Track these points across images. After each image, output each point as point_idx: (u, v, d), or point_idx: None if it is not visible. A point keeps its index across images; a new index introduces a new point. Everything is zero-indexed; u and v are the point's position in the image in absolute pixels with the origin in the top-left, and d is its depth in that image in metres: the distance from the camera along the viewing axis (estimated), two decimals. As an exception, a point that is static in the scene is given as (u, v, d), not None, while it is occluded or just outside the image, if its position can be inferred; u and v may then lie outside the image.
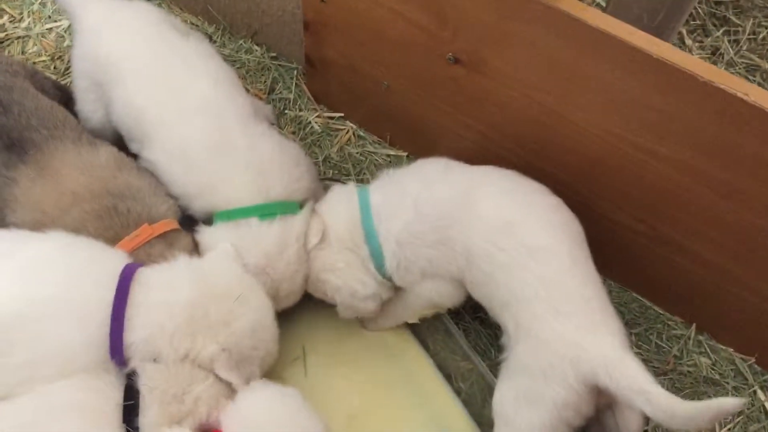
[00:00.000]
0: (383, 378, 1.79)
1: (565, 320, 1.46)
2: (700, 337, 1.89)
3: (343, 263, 1.69)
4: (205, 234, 1.65)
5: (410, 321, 1.81)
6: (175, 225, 1.62)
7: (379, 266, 1.67)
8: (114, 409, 1.37)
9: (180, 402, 1.39)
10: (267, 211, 1.65)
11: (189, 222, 1.70)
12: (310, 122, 2.20)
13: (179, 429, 1.36)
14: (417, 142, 2.08)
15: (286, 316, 1.72)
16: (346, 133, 2.19)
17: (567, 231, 1.58)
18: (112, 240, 1.52)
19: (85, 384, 1.38)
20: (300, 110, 2.23)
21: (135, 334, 1.40)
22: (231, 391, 1.45)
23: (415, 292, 1.71)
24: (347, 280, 1.69)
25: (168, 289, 1.45)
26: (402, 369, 1.81)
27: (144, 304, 1.41)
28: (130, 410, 1.37)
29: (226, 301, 1.47)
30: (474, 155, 1.76)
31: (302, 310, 1.79)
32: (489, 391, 1.66)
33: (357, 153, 2.15)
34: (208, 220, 1.69)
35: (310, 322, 1.84)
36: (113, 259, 1.46)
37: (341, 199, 1.73)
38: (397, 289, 1.75)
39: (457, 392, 1.77)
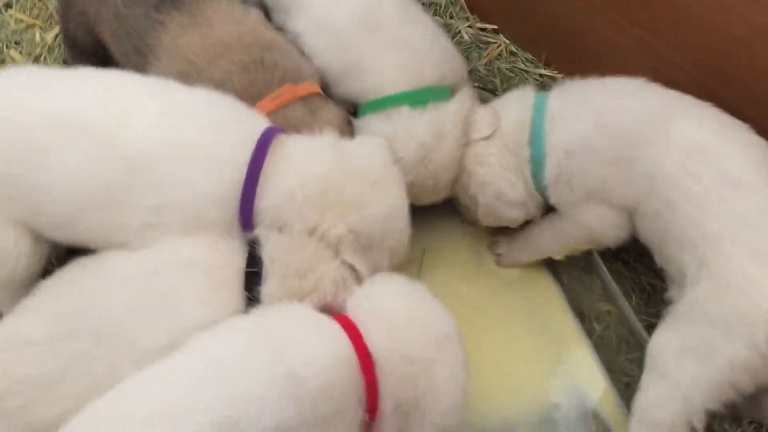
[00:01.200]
0: (504, 303, 1.64)
1: (763, 264, 1.26)
2: None
3: (496, 158, 1.54)
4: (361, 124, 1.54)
5: (556, 256, 1.62)
6: (318, 89, 1.51)
7: (537, 173, 1.51)
8: (236, 274, 1.27)
9: (302, 278, 1.28)
10: (418, 98, 1.52)
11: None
12: (459, 31, 2.03)
13: (299, 304, 1.25)
14: (577, 62, 1.86)
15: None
16: (498, 47, 2.00)
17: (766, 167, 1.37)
18: (255, 97, 1.43)
19: (210, 243, 1.29)
20: (450, 17, 2.05)
21: (266, 199, 1.31)
22: (358, 279, 1.33)
23: (573, 216, 1.52)
24: (496, 177, 1.54)
25: (306, 159, 1.35)
26: (527, 297, 1.65)
27: (279, 170, 1.32)
28: (252, 278, 1.27)
29: (363, 184, 1.35)
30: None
31: (428, 215, 1.64)
32: (628, 338, 1.50)
33: (507, 69, 1.97)
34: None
35: (435, 228, 1.70)
36: (255, 121, 1.37)
37: (516, 98, 1.58)
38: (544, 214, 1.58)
39: (589, 333, 1.59)
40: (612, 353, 1.53)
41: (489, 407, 1.50)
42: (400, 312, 1.25)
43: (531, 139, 1.51)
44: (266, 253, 1.29)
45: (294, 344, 1.15)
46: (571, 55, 1.88)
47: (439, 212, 1.68)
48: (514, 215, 1.57)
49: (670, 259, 1.41)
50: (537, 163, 1.50)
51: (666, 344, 1.34)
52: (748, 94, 1.51)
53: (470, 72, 1.96)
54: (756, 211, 1.30)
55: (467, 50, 2.00)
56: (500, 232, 1.70)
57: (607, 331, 1.55)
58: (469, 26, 2.04)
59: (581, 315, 1.62)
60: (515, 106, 1.56)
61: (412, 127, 1.51)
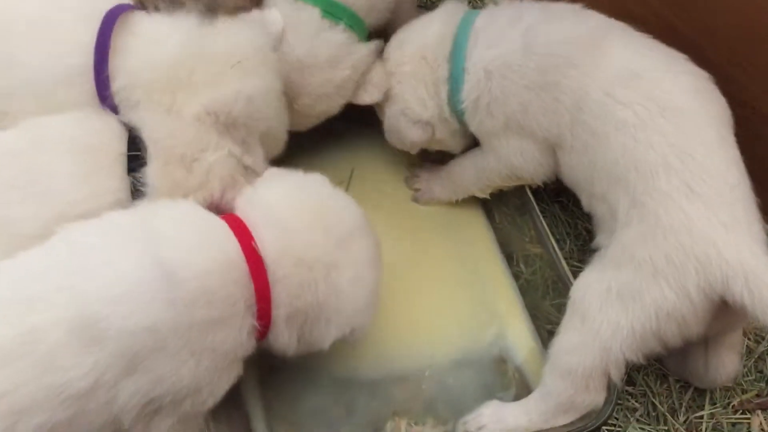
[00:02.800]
0: (430, 236, 1.52)
1: (699, 204, 1.14)
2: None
3: (410, 69, 1.40)
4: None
5: (479, 194, 1.50)
6: None
7: (454, 94, 1.38)
8: (115, 157, 1.14)
9: (187, 168, 1.15)
10: (334, 10, 1.37)
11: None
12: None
13: (185, 201, 1.12)
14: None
15: (337, 138, 1.52)
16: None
17: (711, 101, 1.25)
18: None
19: (84, 121, 1.16)
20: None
21: (116, 80, 1.20)
22: (248, 175, 1.22)
23: (493, 149, 1.40)
24: (405, 91, 1.42)
25: (154, 37, 1.23)
26: (455, 233, 1.53)
27: (126, 49, 1.21)
28: (134, 162, 1.15)
29: (219, 65, 1.23)
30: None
31: (361, 136, 1.54)
32: (555, 283, 1.39)
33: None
34: None
35: (367, 150, 1.59)
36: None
37: (444, 10, 1.44)
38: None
39: (516, 276, 1.48)
40: (537, 298, 1.43)
41: (400, 345, 1.38)
42: (294, 211, 1.13)
43: (451, 55, 1.38)
44: (147, 135, 1.16)
45: (173, 242, 1.02)
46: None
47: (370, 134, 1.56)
48: (415, 135, 1.44)
49: (599, 200, 1.29)
50: (455, 83, 1.37)
51: (591, 284, 1.22)
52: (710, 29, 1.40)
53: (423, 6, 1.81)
54: (695, 141, 1.18)
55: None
56: (420, 166, 1.59)
57: (535, 275, 1.44)
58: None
59: (510, 256, 1.50)
60: (441, 17, 1.43)
61: (315, 33, 1.36)
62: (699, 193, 1.15)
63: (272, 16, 1.34)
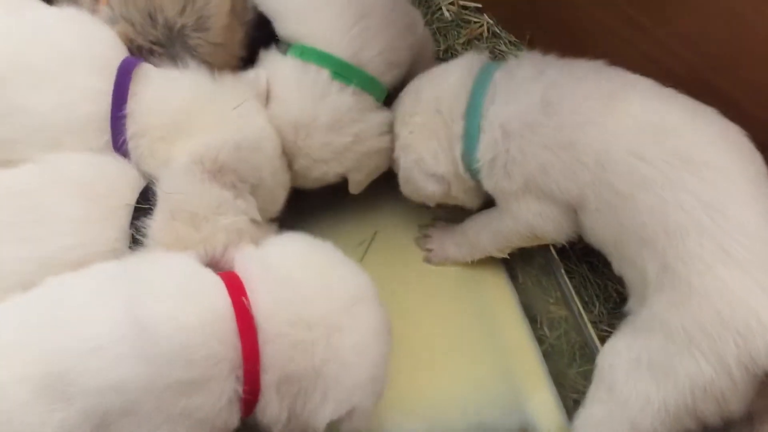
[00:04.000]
0: (451, 298, 1.43)
1: (735, 268, 1.04)
2: None
3: (422, 120, 1.34)
4: (267, 57, 1.34)
5: (497, 255, 1.41)
6: None
7: (469, 152, 1.30)
8: (122, 207, 1.11)
9: (195, 226, 1.10)
10: (345, 72, 1.30)
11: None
12: (441, 8, 1.85)
13: (181, 254, 1.05)
14: (563, 46, 1.69)
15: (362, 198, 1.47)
16: (479, 26, 1.83)
17: (743, 154, 1.16)
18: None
19: (98, 165, 1.14)
20: (432, -6, 1.89)
21: (130, 129, 1.19)
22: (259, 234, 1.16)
23: (511, 210, 1.31)
24: (419, 143, 1.34)
25: (166, 86, 1.22)
26: (477, 294, 1.44)
27: (140, 99, 1.20)
28: (141, 215, 1.11)
29: (215, 111, 1.21)
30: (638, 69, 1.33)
31: (383, 196, 1.48)
32: (582, 349, 1.29)
33: (486, 49, 1.79)
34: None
35: (390, 211, 1.53)
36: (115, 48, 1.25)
37: (462, 63, 1.37)
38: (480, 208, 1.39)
39: (540, 341, 1.38)
40: (563, 365, 1.32)
41: (411, 414, 1.29)
42: (296, 268, 1.05)
43: (467, 111, 1.31)
44: (162, 188, 1.12)
45: (155, 294, 0.96)
46: (558, 38, 1.69)
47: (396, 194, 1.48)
48: (429, 189, 1.36)
49: (629, 263, 1.19)
50: (470, 140, 1.30)
51: (620, 353, 1.12)
52: (748, 84, 1.32)
53: (446, 50, 1.79)
54: (726, 199, 1.08)
55: (446, 29, 1.83)
56: (432, 225, 1.52)
57: (559, 340, 1.33)
58: (452, 3, 1.86)
59: (533, 319, 1.41)
60: (459, 69, 1.36)
61: (321, 93, 1.29)
62: (734, 255, 1.04)
63: (258, 75, 1.31)
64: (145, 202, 1.12)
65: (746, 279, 1.03)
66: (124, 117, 1.17)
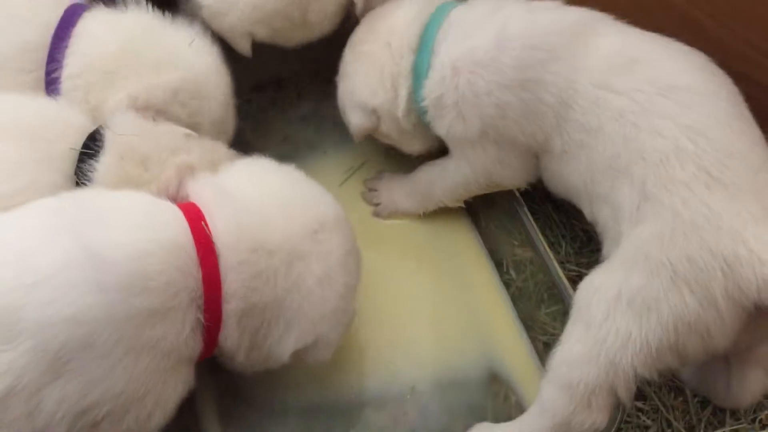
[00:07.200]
0: (410, 243, 1.38)
1: (722, 193, 0.99)
2: None
3: (369, 49, 1.28)
4: None
5: (451, 204, 1.36)
6: None
7: (415, 90, 1.25)
8: (65, 150, 1.04)
9: (143, 167, 1.04)
10: None
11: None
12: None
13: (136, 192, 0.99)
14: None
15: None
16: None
17: (719, 78, 1.11)
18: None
19: (43, 108, 1.07)
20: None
21: (66, 69, 1.15)
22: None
23: (467, 156, 1.25)
24: (359, 72, 1.29)
25: (111, 26, 1.19)
26: (437, 238, 1.38)
27: (82, 37, 1.17)
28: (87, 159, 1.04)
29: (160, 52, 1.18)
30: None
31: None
32: (550, 289, 1.24)
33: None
34: None
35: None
36: None
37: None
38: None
39: (506, 285, 1.33)
40: (531, 307, 1.27)
41: (378, 365, 1.23)
42: (255, 191, 0.99)
43: (418, 46, 1.24)
44: (111, 130, 1.06)
45: (105, 221, 0.89)
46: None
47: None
48: (354, 120, 1.31)
49: (601, 202, 1.13)
50: (418, 77, 1.24)
51: (596, 291, 1.05)
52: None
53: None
54: (707, 120, 1.03)
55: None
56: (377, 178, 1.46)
57: (527, 282, 1.28)
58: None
59: (499, 263, 1.35)
60: (416, 5, 1.29)
61: None
62: (720, 179, 0.99)
63: None
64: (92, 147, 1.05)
65: (733, 204, 0.99)
66: (63, 50, 1.14)
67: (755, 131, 1.08)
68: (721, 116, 1.05)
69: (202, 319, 0.92)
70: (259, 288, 0.94)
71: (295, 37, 1.35)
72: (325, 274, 0.98)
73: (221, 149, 1.15)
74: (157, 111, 1.12)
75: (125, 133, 1.06)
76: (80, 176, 1.03)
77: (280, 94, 1.57)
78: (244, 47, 1.32)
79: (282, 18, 1.29)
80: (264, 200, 0.99)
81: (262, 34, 1.31)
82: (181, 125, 1.14)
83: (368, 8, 1.36)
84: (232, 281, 0.92)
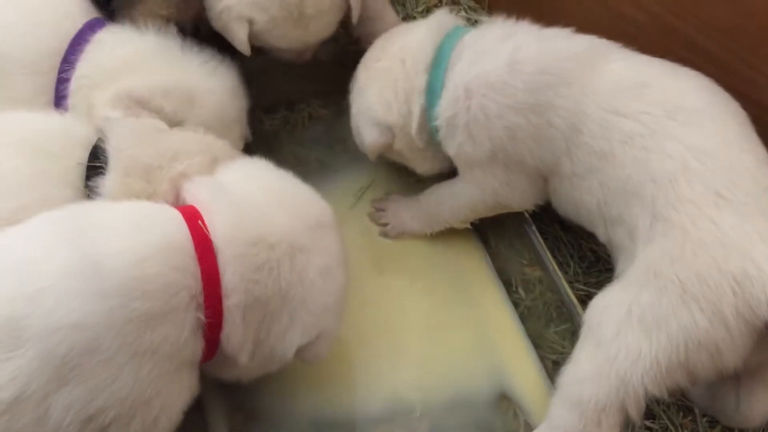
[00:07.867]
0: (418, 263, 1.38)
1: (730, 211, 1.00)
2: None
3: (384, 66, 1.30)
4: None
5: (458, 225, 1.37)
6: None
7: (428, 109, 1.26)
8: (72, 166, 1.07)
9: (147, 179, 1.05)
10: None
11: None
12: (396, -22, 1.82)
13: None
14: (526, 11, 1.66)
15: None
16: (439, -6, 1.79)
17: (725, 100, 1.14)
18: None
19: (48, 125, 1.10)
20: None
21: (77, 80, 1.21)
22: None
23: (476, 178, 1.27)
24: (373, 89, 1.30)
25: (122, 41, 1.26)
26: (446, 257, 1.38)
27: (98, 49, 1.24)
28: (94, 173, 1.06)
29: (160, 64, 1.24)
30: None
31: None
32: (558, 308, 1.24)
33: (447, 17, 1.75)
34: None
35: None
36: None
37: (434, 19, 1.33)
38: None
39: (515, 304, 1.34)
40: (540, 326, 1.28)
41: (386, 382, 1.23)
42: (252, 189, 1.01)
43: (432, 65, 1.26)
44: (113, 144, 1.07)
45: (103, 229, 0.91)
46: (518, 3, 1.66)
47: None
48: (369, 138, 1.32)
49: (615, 223, 1.14)
50: (431, 96, 1.26)
51: (606, 308, 1.06)
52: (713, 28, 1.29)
53: (404, 19, 1.74)
54: (715, 141, 1.05)
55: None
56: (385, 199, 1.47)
57: (536, 301, 1.29)
58: (410, -29, 1.82)
59: (508, 282, 1.36)
60: (430, 25, 1.31)
61: None
62: (728, 198, 1.01)
63: None
64: (95, 160, 1.07)
65: (742, 223, 1.00)
66: (78, 54, 1.22)
67: (761, 150, 1.09)
68: (728, 136, 1.07)
69: (203, 319, 0.92)
70: (261, 280, 0.94)
71: (293, 36, 1.35)
72: (326, 267, 1.00)
73: (224, 146, 1.16)
74: (143, 106, 1.15)
75: (126, 148, 1.07)
76: (91, 191, 1.05)
77: (292, 116, 1.59)
78: (241, 38, 1.31)
79: (279, 5, 1.29)
80: (263, 195, 1.01)
81: (261, 22, 1.31)
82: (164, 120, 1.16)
83: (364, 13, 1.42)
84: (232, 275, 0.93)
